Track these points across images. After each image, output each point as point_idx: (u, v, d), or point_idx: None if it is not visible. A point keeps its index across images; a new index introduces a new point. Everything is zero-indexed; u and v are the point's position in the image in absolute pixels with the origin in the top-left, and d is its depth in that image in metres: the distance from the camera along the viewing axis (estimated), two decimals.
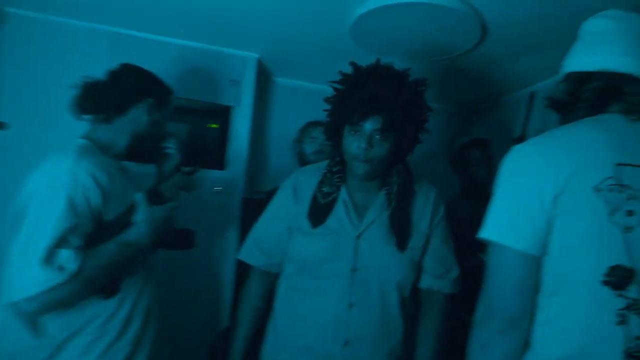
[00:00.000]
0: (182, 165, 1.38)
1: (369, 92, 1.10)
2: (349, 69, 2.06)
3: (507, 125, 2.16)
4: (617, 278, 0.74)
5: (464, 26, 1.54)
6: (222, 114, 2.03)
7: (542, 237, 0.78)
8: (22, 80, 1.74)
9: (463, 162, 1.95)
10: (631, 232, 0.75)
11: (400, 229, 1.17)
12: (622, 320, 0.73)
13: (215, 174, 1.97)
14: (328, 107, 1.24)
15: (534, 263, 0.79)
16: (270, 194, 1.97)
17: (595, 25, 0.96)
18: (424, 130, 1.21)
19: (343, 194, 1.22)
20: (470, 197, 1.88)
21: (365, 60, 1.91)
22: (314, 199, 1.22)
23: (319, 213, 1.19)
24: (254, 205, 2.08)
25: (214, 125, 2.02)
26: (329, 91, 2.31)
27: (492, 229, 0.82)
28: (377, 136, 1.12)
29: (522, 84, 2.08)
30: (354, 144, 1.14)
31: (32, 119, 1.73)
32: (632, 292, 0.73)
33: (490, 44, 1.69)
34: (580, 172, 0.77)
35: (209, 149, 2.01)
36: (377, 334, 1.13)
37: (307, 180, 1.27)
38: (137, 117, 1.28)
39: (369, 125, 1.11)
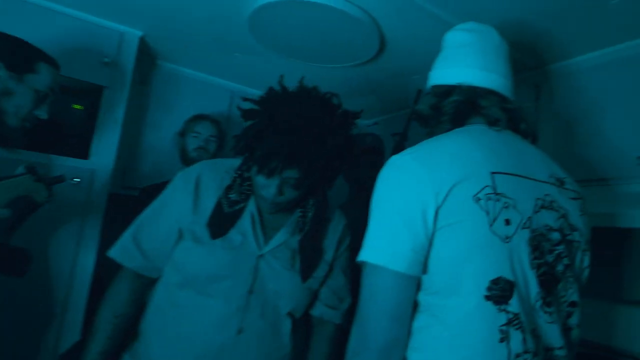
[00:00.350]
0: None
1: (288, 143, 0.93)
2: (245, 64, 1.97)
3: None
4: (499, 292, 0.70)
5: (363, 36, 1.53)
6: (92, 95, 1.74)
7: (424, 254, 0.73)
8: None
9: (356, 168, 1.91)
10: (510, 241, 0.72)
11: (308, 258, 1.08)
12: (504, 338, 0.70)
13: (75, 162, 1.68)
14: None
15: (413, 284, 0.73)
16: (146, 190, 1.76)
17: (454, 38, 0.96)
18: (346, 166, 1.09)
19: (252, 206, 1.07)
20: (362, 201, 1.86)
21: (265, 57, 1.83)
22: (219, 205, 1.04)
23: (221, 223, 1.02)
24: (123, 202, 1.83)
25: (78, 107, 1.72)
26: (221, 84, 2.22)
27: (370, 250, 0.74)
28: (290, 182, 0.99)
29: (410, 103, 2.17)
30: (262, 182, 1.00)
31: None
32: (512, 306, 0.71)
33: (388, 58, 1.72)
34: (461, 182, 0.73)
35: (70, 133, 1.70)
36: None
37: (214, 180, 1.08)
38: None
39: (281, 176, 0.98)
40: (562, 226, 0.81)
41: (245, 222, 1.05)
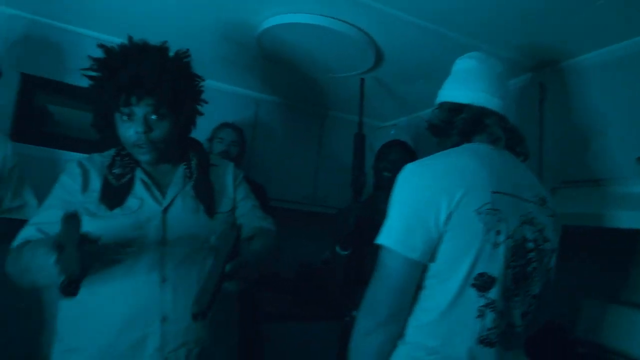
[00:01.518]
0: None
1: (130, 73, 1.05)
2: (265, 76, 2.15)
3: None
4: (482, 283, 0.91)
5: (360, 50, 1.67)
6: None
7: (433, 247, 0.92)
8: None
9: (382, 160, 1.94)
10: (498, 247, 0.92)
11: (206, 196, 1.19)
12: (481, 315, 0.92)
13: None
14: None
15: (421, 269, 0.93)
16: None
17: (464, 64, 1.14)
18: (202, 101, 1.23)
19: (139, 173, 1.17)
20: (383, 191, 1.87)
21: (279, 69, 2.00)
22: (106, 182, 1.14)
23: (114, 195, 1.12)
24: None
25: None
26: (246, 94, 2.42)
27: (390, 237, 0.93)
28: (152, 117, 1.09)
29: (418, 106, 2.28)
30: (129, 130, 1.09)
31: None
32: (492, 294, 0.92)
33: (388, 67, 1.86)
34: (467, 196, 0.91)
35: None
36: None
37: (95, 164, 1.18)
38: None
39: (140, 109, 1.08)
40: (537, 238, 1.00)
41: (138, 188, 1.15)
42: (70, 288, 0.83)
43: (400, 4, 1.41)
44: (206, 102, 1.24)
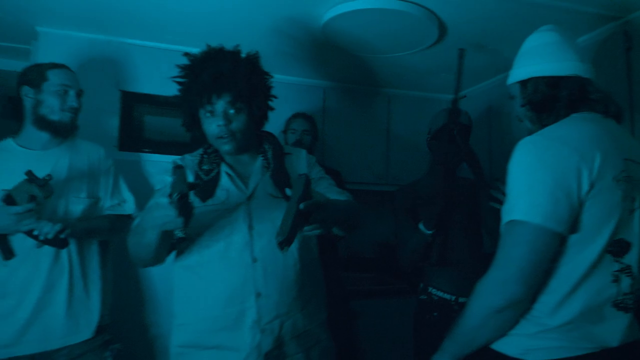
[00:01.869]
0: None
1: (210, 74, 1.20)
2: (317, 65, 2.21)
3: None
4: (617, 248, 0.92)
5: (424, 26, 1.68)
6: None
7: (575, 218, 0.90)
8: None
9: (442, 141, 1.83)
10: (633, 214, 0.93)
11: (283, 183, 1.27)
12: (616, 279, 0.93)
13: None
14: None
15: (561, 241, 0.91)
16: None
17: (544, 38, 1.10)
18: (272, 96, 1.33)
19: (224, 167, 1.31)
20: (439, 175, 1.83)
21: (343, 55, 2.06)
22: (197, 177, 1.29)
23: (205, 188, 1.27)
24: None
25: None
26: (313, 83, 2.50)
27: (535, 212, 0.89)
28: (230, 111, 1.22)
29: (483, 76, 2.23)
30: (212, 125, 1.23)
31: None
32: (627, 259, 0.93)
33: (453, 39, 1.83)
34: (605, 164, 0.90)
35: None
36: (283, 282, 1.24)
37: (187, 162, 1.33)
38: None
39: (220, 104, 1.21)
40: None
41: (224, 181, 1.29)
42: (181, 202, 0.97)
43: None
44: (276, 97, 1.35)
